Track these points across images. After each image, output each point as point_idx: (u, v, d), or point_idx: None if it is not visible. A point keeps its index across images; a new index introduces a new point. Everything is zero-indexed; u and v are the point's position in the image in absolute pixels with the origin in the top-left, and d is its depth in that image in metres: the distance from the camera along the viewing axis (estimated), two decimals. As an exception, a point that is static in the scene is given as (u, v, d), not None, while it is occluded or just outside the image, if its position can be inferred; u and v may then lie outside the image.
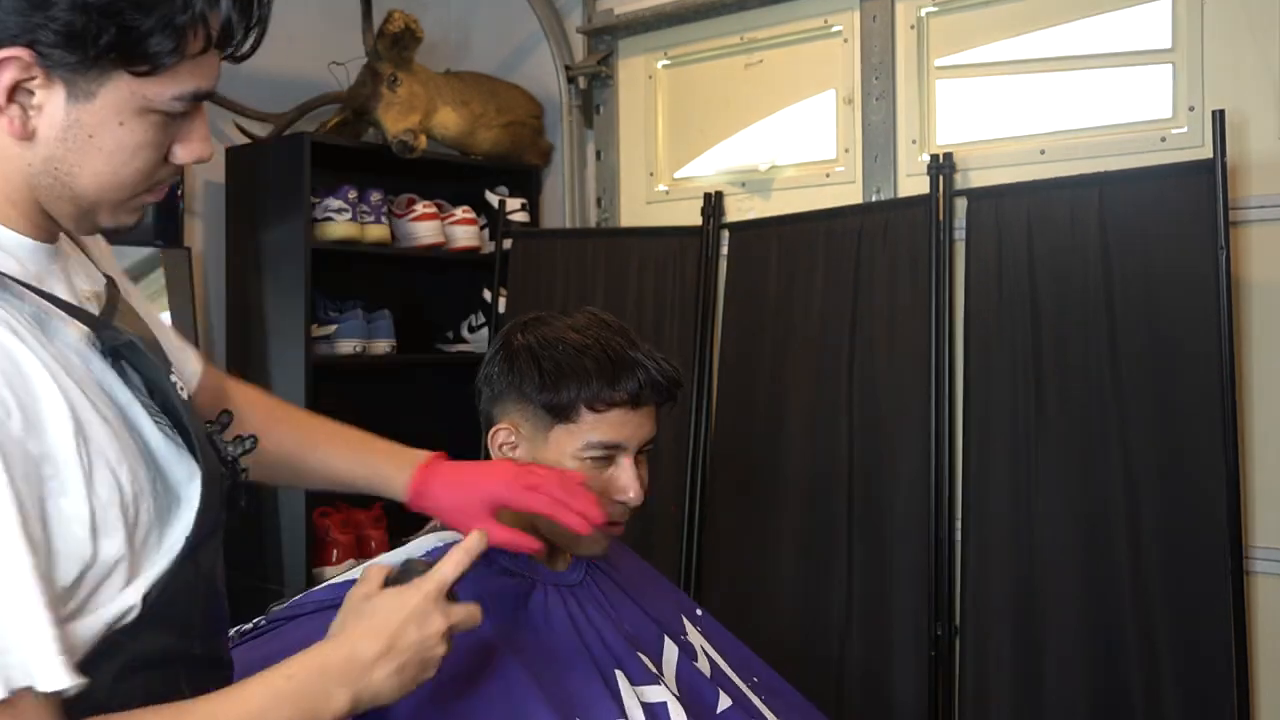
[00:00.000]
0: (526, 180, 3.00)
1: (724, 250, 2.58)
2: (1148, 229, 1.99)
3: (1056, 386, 2.05)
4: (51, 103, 0.79)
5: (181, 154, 0.85)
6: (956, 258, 2.22)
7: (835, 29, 2.51)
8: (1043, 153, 2.23)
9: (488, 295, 2.85)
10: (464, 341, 2.96)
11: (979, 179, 2.27)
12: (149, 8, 0.77)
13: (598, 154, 2.91)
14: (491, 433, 1.27)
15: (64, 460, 0.75)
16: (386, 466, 1.19)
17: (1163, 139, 2.10)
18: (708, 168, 2.71)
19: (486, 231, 2.93)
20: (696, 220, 2.62)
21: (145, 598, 0.78)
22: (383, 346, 2.73)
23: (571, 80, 2.87)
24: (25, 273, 0.81)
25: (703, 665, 1.30)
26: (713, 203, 2.61)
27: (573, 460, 1.20)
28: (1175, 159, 2.03)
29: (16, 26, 0.75)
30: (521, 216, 2.91)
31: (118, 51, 0.77)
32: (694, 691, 1.23)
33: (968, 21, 2.34)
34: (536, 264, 2.72)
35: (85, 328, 0.83)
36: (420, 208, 2.81)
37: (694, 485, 2.47)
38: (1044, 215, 2.10)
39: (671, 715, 1.16)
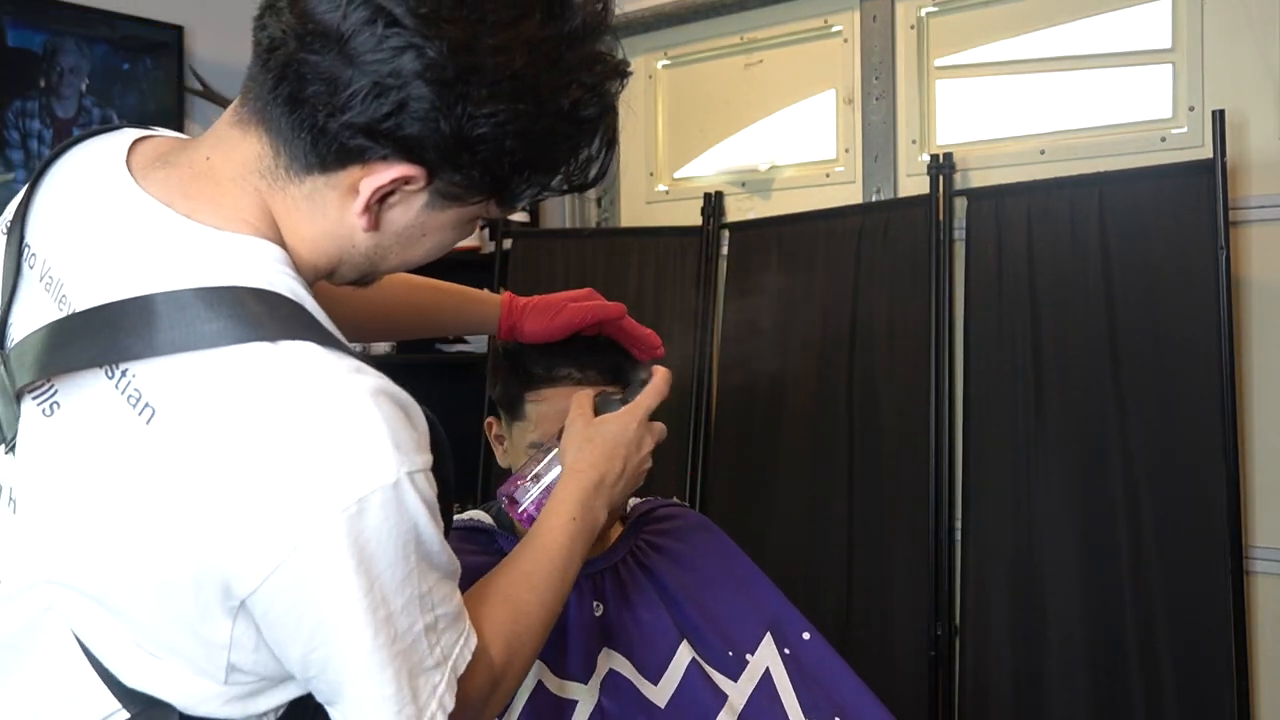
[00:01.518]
0: (526, 180, 3.00)
1: (724, 250, 2.58)
2: (1148, 229, 1.99)
3: (1056, 386, 2.05)
4: (408, 205, 0.79)
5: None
6: (956, 258, 2.22)
7: (835, 29, 2.51)
8: (1043, 153, 2.23)
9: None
10: (464, 341, 2.96)
11: (979, 179, 2.27)
12: (556, 165, 0.80)
13: (598, 154, 2.90)
14: (486, 424, 1.30)
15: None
16: (478, 306, 1.27)
17: (1163, 139, 2.10)
18: (708, 168, 2.71)
19: (486, 231, 2.93)
20: (696, 220, 2.62)
21: None
22: (383, 346, 2.74)
23: (571, 80, 2.87)
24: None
25: (743, 685, 1.23)
26: (713, 203, 2.61)
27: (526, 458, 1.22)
28: (1175, 159, 2.03)
29: (436, 150, 0.74)
30: (521, 216, 2.91)
31: (511, 197, 0.80)
32: (686, 702, 1.20)
33: (968, 21, 2.34)
34: (536, 264, 2.72)
35: None
36: (420, 208, 2.81)
37: (694, 484, 2.47)
38: (1044, 215, 2.10)
39: (575, 714, 1.16)
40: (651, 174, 2.81)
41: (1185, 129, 2.08)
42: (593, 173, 0.83)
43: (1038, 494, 2.04)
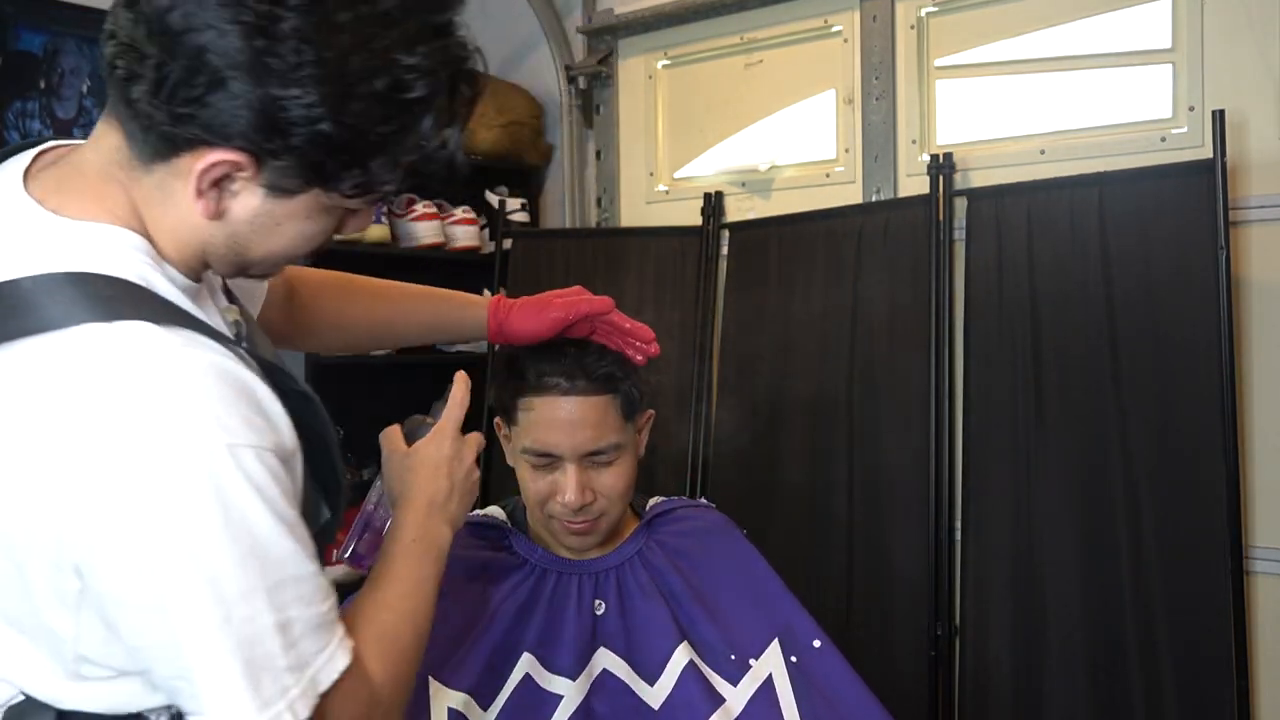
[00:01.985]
0: (526, 180, 3.00)
1: (724, 250, 2.58)
2: (1148, 229, 1.99)
3: (1056, 386, 2.05)
4: (250, 193, 0.80)
5: (348, 228, 0.89)
6: (956, 258, 2.22)
7: (835, 29, 2.51)
8: (1043, 153, 2.23)
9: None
10: (464, 342, 2.96)
11: (979, 179, 2.27)
12: (380, 148, 0.79)
13: (598, 154, 2.91)
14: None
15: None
16: (464, 310, 1.29)
17: (1163, 139, 2.10)
18: (708, 168, 2.71)
19: (486, 231, 2.93)
20: (696, 220, 2.62)
21: None
22: (383, 346, 2.74)
23: (571, 80, 2.87)
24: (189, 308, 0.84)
25: (742, 689, 1.22)
26: (713, 203, 2.61)
27: (523, 466, 1.24)
28: (1175, 159, 2.03)
29: (246, 135, 0.75)
30: (521, 216, 2.91)
31: (337, 181, 0.80)
32: (680, 704, 1.20)
33: (968, 21, 2.34)
34: (536, 264, 2.72)
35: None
36: (420, 208, 2.81)
37: (693, 483, 2.47)
38: (1044, 215, 2.10)
39: (559, 709, 1.17)
40: (651, 174, 2.81)
41: (1185, 129, 2.08)
42: (438, 156, 0.82)
43: (1038, 494, 2.04)
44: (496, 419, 1.31)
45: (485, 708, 1.17)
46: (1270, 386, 1.97)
